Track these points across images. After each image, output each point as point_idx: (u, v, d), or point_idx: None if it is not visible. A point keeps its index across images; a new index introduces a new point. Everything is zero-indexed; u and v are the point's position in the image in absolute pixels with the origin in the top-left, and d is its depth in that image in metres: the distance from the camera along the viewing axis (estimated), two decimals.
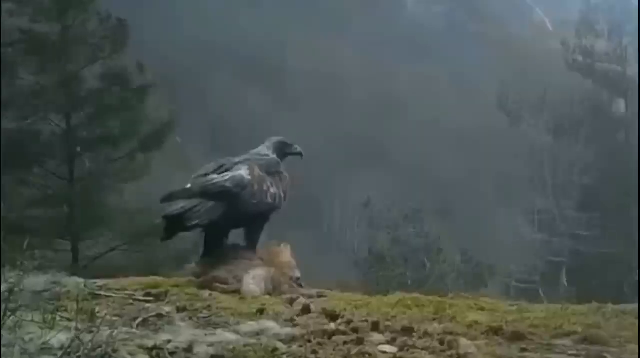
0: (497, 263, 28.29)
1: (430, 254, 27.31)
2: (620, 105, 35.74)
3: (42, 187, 21.11)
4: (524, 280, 30.86)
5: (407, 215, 28.70)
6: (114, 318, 3.85)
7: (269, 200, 5.27)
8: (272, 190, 5.28)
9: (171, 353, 3.50)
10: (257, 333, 3.84)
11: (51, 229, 20.19)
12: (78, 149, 20.91)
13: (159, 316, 4.15)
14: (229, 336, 3.74)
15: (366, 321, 4.13)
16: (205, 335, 3.77)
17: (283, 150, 5.66)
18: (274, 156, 5.55)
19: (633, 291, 25.60)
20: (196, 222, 4.94)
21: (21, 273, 3.68)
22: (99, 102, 20.95)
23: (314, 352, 3.61)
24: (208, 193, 5.03)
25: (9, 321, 3.35)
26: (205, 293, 4.78)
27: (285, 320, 4.17)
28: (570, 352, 3.92)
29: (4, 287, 3.50)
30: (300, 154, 5.76)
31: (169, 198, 5.09)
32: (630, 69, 36.52)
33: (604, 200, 31.97)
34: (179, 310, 4.37)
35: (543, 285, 30.22)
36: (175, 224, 5.02)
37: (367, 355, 3.59)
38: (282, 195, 5.37)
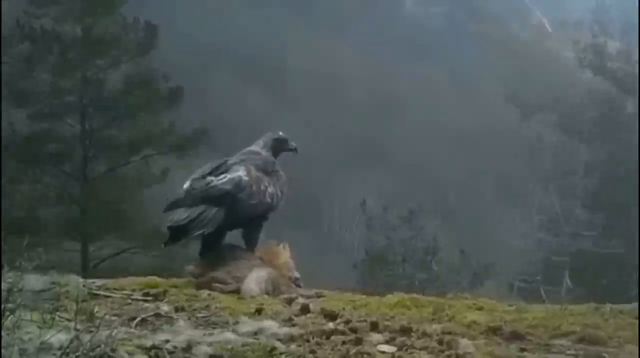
0: (498, 263, 28.24)
1: (429, 255, 27.31)
2: (629, 105, 35.74)
3: (55, 187, 21.09)
4: (526, 280, 30.81)
5: (405, 216, 28.67)
6: (113, 318, 3.85)
7: (267, 200, 5.27)
8: (270, 189, 5.28)
9: (170, 353, 3.50)
10: (256, 333, 3.85)
11: (62, 229, 20.19)
12: (94, 150, 20.91)
13: (158, 316, 4.16)
14: (228, 336, 3.75)
15: (365, 321, 4.13)
16: (204, 334, 3.78)
17: (278, 147, 5.63)
18: (268, 154, 5.53)
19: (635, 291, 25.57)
20: (202, 231, 4.96)
21: (20, 273, 3.69)
22: (120, 104, 20.94)
23: (313, 351, 3.61)
24: (208, 197, 5.04)
25: (8, 321, 3.35)
26: (204, 293, 4.78)
27: (284, 320, 4.18)
28: (568, 352, 3.93)
29: (3, 286, 3.50)
30: (295, 149, 5.71)
31: (172, 206, 5.10)
32: None
33: (609, 200, 31.96)
34: (178, 310, 4.38)
35: (546, 285, 30.16)
36: (179, 232, 5.04)
37: (365, 355, 3.59)
38: (280, 194, 5.37)
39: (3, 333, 3.28)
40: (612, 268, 29.92)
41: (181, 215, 4.99)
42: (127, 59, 21.35)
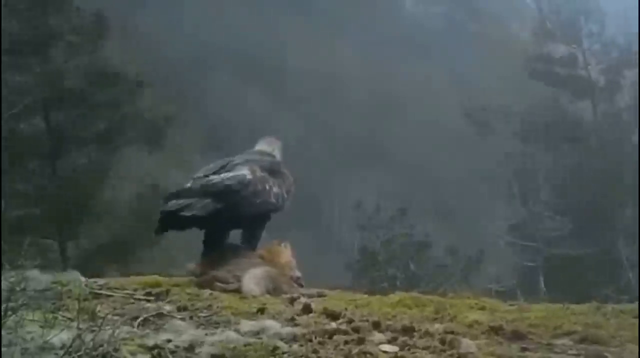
0: (481, 265, 28.36)
1: (422, 254, 27.43)
2: (588, 110, 35.98)
3: (27, 187, 20.98)
4: (502, 284, 30.85)
5: (403, 216, 28.77)
6: (115, 318, 3.85)
7: (272, 199, 5.26)
8: (275, 189, 5.27)
9: (172, 353, 3.50)
10: (258, 333, 3.84)
11: (39, 228, 20.07)
12: (63, 146, 20.77)
13: (160, 315, 4.15)
14: (230, 335, 3.74)
15: (367, 320, 4.13)
16: (206, 334, 3.77)
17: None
18: (277, 157, 5.55)
19: (611, 292, 25.74)
20: (192, 213, 4.92)
21: (22, 272, 3.69)
22: (82, 99, 20.80)
23: (315, 351, 3.61)
24: (209, 192, 5.03)
25: (10, 320, 3.35)
26: (206, 292, 4.79)
27: (286, 320, 4.18)
28: (570, 352, 3.93)
29: (5, 286, 3.50)
30: None
31: (170, 198, 5.09)
32: (594, 72, 36.76)
33: (579, 203, 32.16)
34: (180, 309, 4.37)
35: (521, 289, 30.20)
36: (170, 219, 5.03)
37: (368, 355, 3.59)
38: (285, 195, 5.36)
39: (5, 333, 3.28)
40: (584, 269, 30.05)
41: (175, 203, 4.98)
42: (82, 52, 21.16)
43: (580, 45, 36.87)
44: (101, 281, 5.05)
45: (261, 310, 4.35)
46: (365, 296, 5.04)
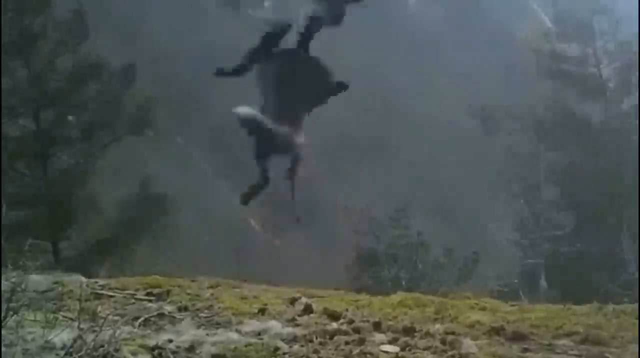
0: (481, 265, 28.29)
1: (423, 253, 27.32)
2: (598, 108, 35.90)
3: (18, 188, 20.88)
4: (504, 283, 30.75)
5: (404, 215, 28.65)
6: (116, 318, 3.84)
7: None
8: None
9: (173, 353, 3.49)
10: (259, 333, 3.83)
11: (30, 230, 19.92)
12: (51, 146, 20.67)
13: (161, 315, 4.14)
14: (231, 335, 3.74)
15: (368, 321, 4.12)
16: (207, 334, 3.76)
17: None
18: None
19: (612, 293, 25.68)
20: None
21: (23, 273, 3.68)
22: (68, 98, 20.70)
23: (316, 351, 3.60)
24: None
25: (11, 320, 3.34)
26: (207, 292, 4.78)
27: (287, 320, 4.17)
28: (571, 352, 3.92)
29: (5, 286, 3.49)
30: None
31: None
32: (605, 71, 36.72)
33: (583, 202, 32.11)
34: (181, 309, 4.36)
35: (523, 288, 30.08)
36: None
37: (368, 355, 3.58)
38: None
39: (6, 333, 3.27)
40: (585, 268, 30.00)
41: None
42: (65, 50, 21.02)
43: (593, 44, 36.79)
44: (102, 281, 5.04)
45: (262, 311, 4.34)
46: (367, 296, 5.03)
